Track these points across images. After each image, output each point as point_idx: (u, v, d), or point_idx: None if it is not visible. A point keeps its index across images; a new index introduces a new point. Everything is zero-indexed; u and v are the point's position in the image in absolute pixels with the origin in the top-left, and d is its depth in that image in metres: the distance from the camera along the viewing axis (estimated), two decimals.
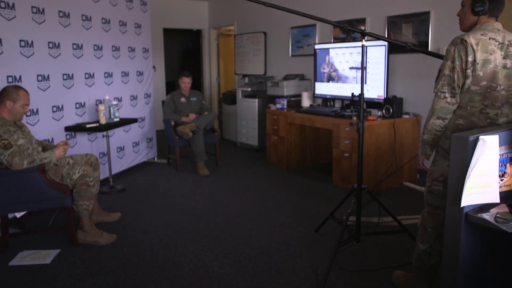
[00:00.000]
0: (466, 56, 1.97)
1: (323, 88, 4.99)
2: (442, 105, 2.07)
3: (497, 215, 1.64)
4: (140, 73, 5.20)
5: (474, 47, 1.96)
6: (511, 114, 2.04)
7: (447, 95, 2.05)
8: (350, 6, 4.98)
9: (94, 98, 4.46)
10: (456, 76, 2.01)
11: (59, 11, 3.93)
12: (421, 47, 4.08)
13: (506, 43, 2.00)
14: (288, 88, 5.49)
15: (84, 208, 3.03)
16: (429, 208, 2.23)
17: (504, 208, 1.70)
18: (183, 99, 5.21)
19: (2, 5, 3.33)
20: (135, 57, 5.09)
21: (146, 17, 5.26)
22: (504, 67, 1.99)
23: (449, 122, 2.11)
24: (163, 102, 5.39)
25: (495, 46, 1.98)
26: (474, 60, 1.96)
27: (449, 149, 2.09)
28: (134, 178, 4.81)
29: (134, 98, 5.11)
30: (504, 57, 1.99)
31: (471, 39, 1.97)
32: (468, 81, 2.00)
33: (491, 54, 1.97)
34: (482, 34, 1.99)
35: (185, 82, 5.18)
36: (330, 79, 4.88)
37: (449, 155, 2.08)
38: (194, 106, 5.25)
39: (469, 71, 1.98)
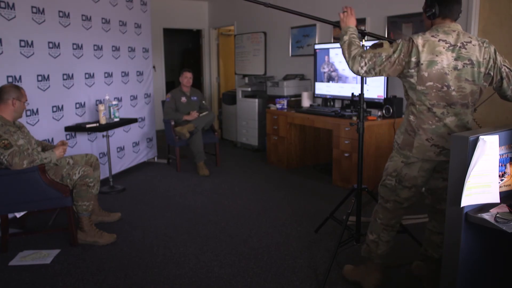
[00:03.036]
0: (409, 56, 2.02)
1: (323, 88, 4.99)
2: (356, 66, 2.13)
3: (497, 215, 1.64)
4: (140, 73, 5.20)
5: (420, 48, 2.00)
6: (463, 114, 2.07)
7: (364, 68, 2.10)
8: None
9: (94, 98, 4.46)
10: (385, 64, 2.07)
11: (59, 11, 3.93)
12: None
13: (459, 44, 2.01)
14: (288, 88, 5.48)
15: (84, 209, 3.03)
16: (381, 200, 2.33)
17: (504, 208, 1.70)
18: (183, 99, 5.20)
19: (2, 5, 3.33)
20: (135, 57, 5.09)
21: (146, 17, 5.26)
22: (455, 68, 2.01)
23: (404, 117, 2.21)
24: (163, 102, 5.38)
25: (443, 47, 2.00)
26: (419, 61, 2.01)
27: (402, 144, 2.18)
28: (134, 178, 4.81)
29: (134, 98, 5.11)
30: (456, 59, 2.01)
31: (419, 40, 2.01)
32: (413, 80, 2.05)
33: (437, 55, 2.00)
34: (432, 36, 2.03)
35: (188, 77, 5.18)
36: (330, 79, 4.88)
37: (402, 150, 2.17)
38: (194, 106, 5.25)
39: (412, 70, 2.03)
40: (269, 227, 3.32)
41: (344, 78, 4.71)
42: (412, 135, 2.13)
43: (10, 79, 3.41)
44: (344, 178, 4.28)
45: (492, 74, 2.07)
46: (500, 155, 1.71)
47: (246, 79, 6.69)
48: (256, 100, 6.00)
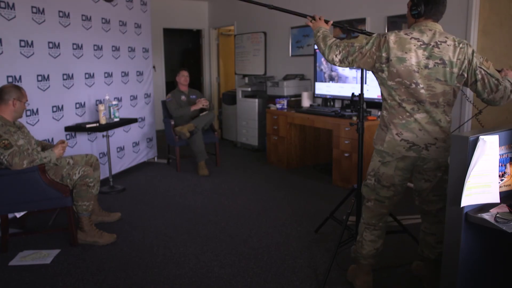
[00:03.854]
0: (380, 50, 2.07)
1: (323, 88, 4.99)
2: (331, 55, 2.18)
3: (497, 215, 1.64)
4: (140, 73, 5.20)
5: (391, 44, 2.04)
6: (434, 112, 2.08)
7: (338, 56, 2.17)
8: (350, 6, 4.97)
9: (94, 98, 4.46)
10: (357, 55, 2.13)
11: (59, 11, 3.93)
12: None
13: (432, 43, 2.02)
14: (288, 88, 5.48)
15: (84, 209, 3.03)
16: (364, 200, 2.39)
17: (504, 208, 1.70)
18: (183, 97, 5.21)
19: (2, 5, 3.33)
20: (135, 57, 5.09)
21: (146, 17, 5.26)
22: (426, 67, 2.02)
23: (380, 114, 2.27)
24: (163, 102, 5.38)
25: (414, 45, 2.03)
26: (388, 57, 2.05)
27: (375, 139, 2.26)
28: (134, 178, 4.81)
29: (134, 98, 5.11)
30: (427, 57, 2.02)
31: (392, 37, 2.06)
32: (384, 75, 2.10)
33: (406, 53, 2.03)
34: (406, 34, 2.06)
35: (184, 76, 5.19)
36: (330, 79, 4.88)
37: (375, 144, 2.26)
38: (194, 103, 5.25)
39: (384, 65, 2.08)
40: (269, 227, 3.32)
41: (344, 78, 4.71)
42: (384, 130, 2.19)
43: (10, 79, 3.41)
44: (344, 178, 4.28)
45: (466, 75, 2.05)
46: (500, 155, 1.71)
47: (246, 79, 6.69)
48: (256, 100, 6.00)
